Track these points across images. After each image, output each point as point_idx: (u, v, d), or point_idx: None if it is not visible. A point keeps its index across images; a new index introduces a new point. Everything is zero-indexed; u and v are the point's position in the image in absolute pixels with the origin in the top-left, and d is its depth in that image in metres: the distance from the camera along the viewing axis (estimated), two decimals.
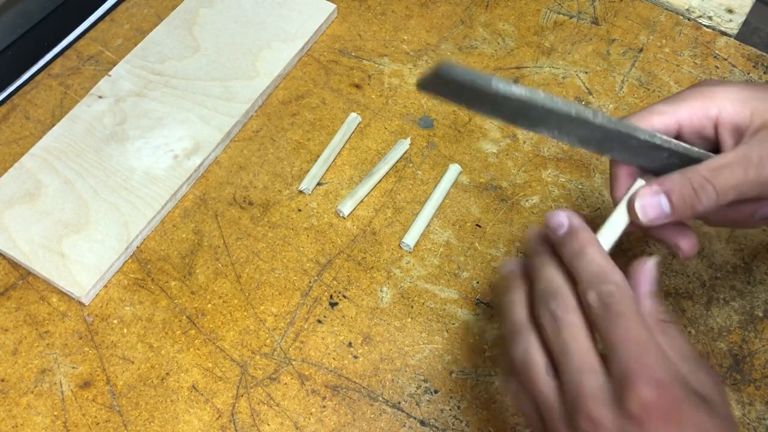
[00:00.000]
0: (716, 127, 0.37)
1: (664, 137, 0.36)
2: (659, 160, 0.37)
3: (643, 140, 0.35)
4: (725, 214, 0.38)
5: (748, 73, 0.61)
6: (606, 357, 0.31)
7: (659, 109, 0.38)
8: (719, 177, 0.35)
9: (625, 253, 0.51)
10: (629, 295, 0.32)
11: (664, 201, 0.36)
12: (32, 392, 0.44)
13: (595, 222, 0.53)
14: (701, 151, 0.37)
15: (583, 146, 0.36)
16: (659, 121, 0.37)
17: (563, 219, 0.34)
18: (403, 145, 0.55)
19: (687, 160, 0.37)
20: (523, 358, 0.33)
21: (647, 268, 0.34)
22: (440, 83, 0.31)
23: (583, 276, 0.33)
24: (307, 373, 0.46)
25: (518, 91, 0.31)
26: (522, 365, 0.33)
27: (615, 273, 0.32)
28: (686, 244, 0.38)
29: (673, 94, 0.39)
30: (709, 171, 0.35)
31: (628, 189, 0.37)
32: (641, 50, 0.62)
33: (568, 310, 0.32)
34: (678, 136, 0.38)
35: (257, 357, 0.46)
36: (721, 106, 0.37)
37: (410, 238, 0.51)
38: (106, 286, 0.48)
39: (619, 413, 0.29)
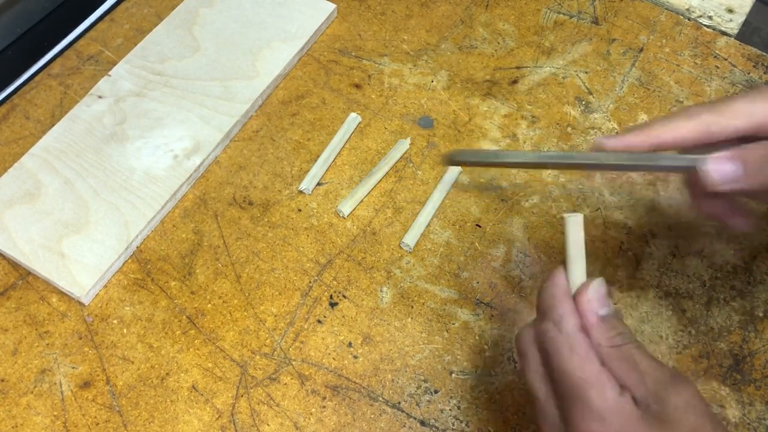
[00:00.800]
0: None
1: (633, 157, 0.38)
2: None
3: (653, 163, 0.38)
4: None
5: (748, 73, 0.61)
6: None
7: (736, 102, 0.37)
8: None
9: (625, 252, 0.51)
10: (566, 330, 0.33)
11: (738, 165, 0.35)
12: (32, 392, 0.44)
13: (595, 221, 0.53)
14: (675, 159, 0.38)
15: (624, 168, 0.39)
16: (735, 118, 0.36)
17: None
18: (403, 145, 0.55)
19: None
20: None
21: (590, 293, 0.34)
22: (456, 162, 0.43)
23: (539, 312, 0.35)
24: (307, 373, 0.46)
25: (510, 157, 0.43)
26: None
27: (559, 307, 0.34)
28: (741, 220, 0.39)
29: (752, 88, 0.38)
30: None
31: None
32: (641, 50, 0.62)
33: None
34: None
35: (257, 357, 0.46)
36: None
37: (410, 238, 0.51)
38: (106, 286, 0.48)
39: None
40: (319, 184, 0.54)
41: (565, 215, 0.36)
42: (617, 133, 0.38)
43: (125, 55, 0.58)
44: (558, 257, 0.51)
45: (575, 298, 0.34)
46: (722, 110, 0.36)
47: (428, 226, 0.52)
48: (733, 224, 0.39)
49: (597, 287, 0.34)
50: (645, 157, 0.38)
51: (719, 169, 0.36)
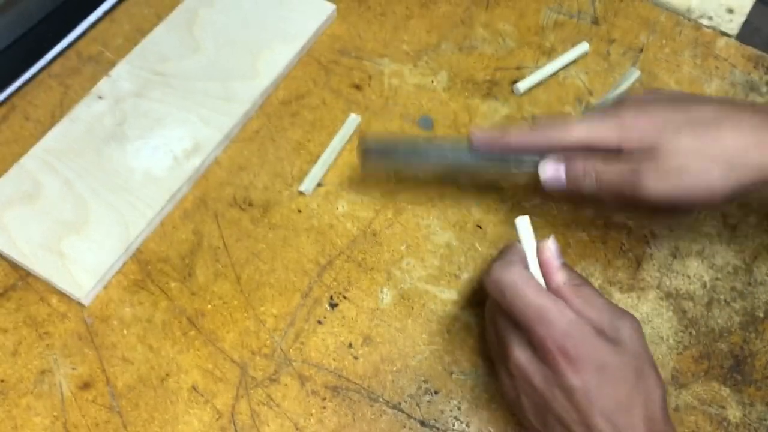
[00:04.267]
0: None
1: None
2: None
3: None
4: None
5: (749, 74, 0.61)
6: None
7: (582, 121, 0.44)
8: (604, 173, 0.42)
9: (626, 253, 0.51)
10: (521, 275, 0.38)
11: (561, 170, 0.44)
12: (32, 393, 0.44)
13: (596, 222, 0.53)
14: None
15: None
16: (576, 133, 0.43)
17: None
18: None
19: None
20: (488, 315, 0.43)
21: (547, 247, 0.40)
22: (371, 156, 0.48)
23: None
24: (307, 374, 0.46)
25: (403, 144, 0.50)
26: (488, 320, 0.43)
27: (512, 254, 0.40)
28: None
29: (608, 107, 0.44)
30: (601, 165, 0.42)
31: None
32: (641, 50, 0.62)
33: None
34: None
35: (257, 358, 0.46)
36: (631, 138, 0.42)
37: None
38: (105, 287, 0.48)
39: (536, 361, 0.37)
40: (319, 185, 0.53)
41: (516, 220, 0.41)
42: (487, 128, 0.46)
43: (125, 55, 0.58)
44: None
45: (539, 251, 0.40)
46: (568, 128, 0.43)
47: (428, 227, 0.52)
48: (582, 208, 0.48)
49: (552, 243, 0.40)
50: (501, 158, 0.46)
51: (549, 170, 0.44)
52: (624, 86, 0.59)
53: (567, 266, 0.40)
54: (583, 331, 0.36)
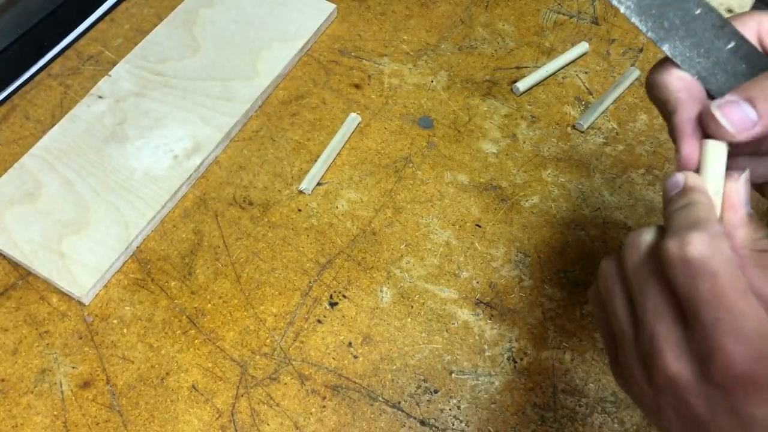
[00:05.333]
0: None
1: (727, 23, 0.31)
2: (721, 63, 0.31)
3: (703, 13, 0.31)
4: None
5: None
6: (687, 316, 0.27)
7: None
8: None
9: None
10: (720, 248, 0.27)
11: (747, 107, 0.29)
12: (32, 392, 0.44)
13: (595, 221, 0.53)
14: None
15: (642, 15, 0.32)
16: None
17: (679, 179, 0.30)
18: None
19: (755, 67, 0.31)
20: (605, 280, 0.31)
21: (737, 187, 0.29)
22: None
23: (673, 227, 0.28)
24: (307, 373, 0.46)
25: None
26: (604, 288, 0.31)
27: (709, 224, 0.27)
28: None
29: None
30: None
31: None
32: (641, 50, 0.62)
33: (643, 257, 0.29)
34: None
35: (257, 357, 0.46)
36: None
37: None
38: (106, 286, 0.48)
39: (702, 378, 0.27)
40: (319, 184, 0.54)
41: (707, 141, 0.30)
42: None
43: (125, 55, 0.58)
44: (558, 257, 0.51)
45: (726, 191, 0.29)
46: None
47: (428, 225, 0.52)
48: None
49: (743, 183, 0.29)
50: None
51: (727, 113, 0.29)
52: (624, 86, 0.59)
53: (754, 218, 0.29)
54: None
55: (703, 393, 0.27)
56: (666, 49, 0.32)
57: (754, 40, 0.31)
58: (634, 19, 0.32)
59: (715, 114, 0.29)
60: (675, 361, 0.27)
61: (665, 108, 0.32)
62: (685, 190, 0.29)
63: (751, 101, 0.29)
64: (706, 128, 0.29)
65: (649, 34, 0.32)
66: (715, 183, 0.29)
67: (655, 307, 0.28)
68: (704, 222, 0.27)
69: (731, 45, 0.31)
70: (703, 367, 0.26)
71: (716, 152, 0.29)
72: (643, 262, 0.29)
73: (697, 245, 0.27)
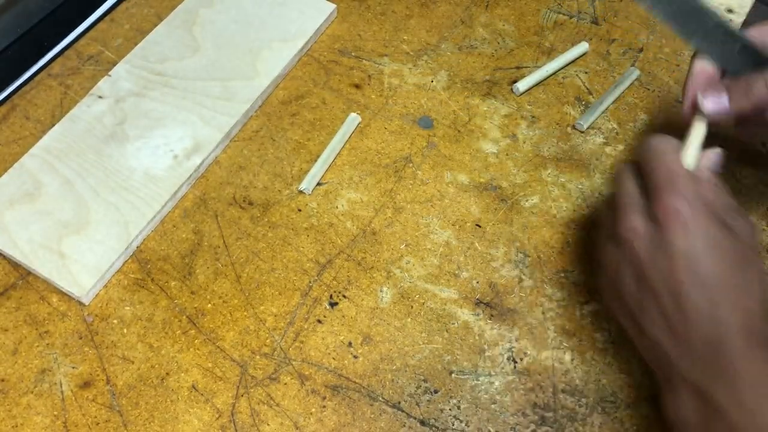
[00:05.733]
0: None
1: (737, 30, 0.43)
2: (732, 57, 0.44)
3: (716, 22, 0.43)
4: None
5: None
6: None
7: None
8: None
9: None
10: (673, 147, 0.40)
11: (723, 98, 0.43)
12: (32, 392, 0.44)
13: (595, 222, 0.53)
14: None
15: (672, 21, 0.45)
16: None
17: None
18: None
19: (757, 63, 0.42)
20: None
21: (710, 152, 0.41)
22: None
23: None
24: (307, 373, 0.46)
25: None
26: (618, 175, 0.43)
27: (667, 138, 0.41)
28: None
29: None
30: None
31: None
32: (641, 50, 0.62)
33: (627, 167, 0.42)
34: None
35: (257, 357, 0.46)
36: None
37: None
38: (106, 286, 0.48)
39: (648, 220, 0.38)
40: (319, 184, 0.54)
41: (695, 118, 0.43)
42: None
43: (125, 55, 0.58)
44: (558, 257, 0.51)
45: (702, 158, 0.41)
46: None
47: (428, 225, 0.52)
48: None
49: (716, 153, 0.41)
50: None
51: (711, 103, 0.43)
52: (624, 86, 0.59)
53: (717, 177, 0.41)
54: (704, 205, 0.37)
55: (648, 236, 0.38)
56: (692, 44, 0.45)
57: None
58: (666, 22, 0.45)
59: (700, 99, 0.43)
60: (634, 216, 0.39)
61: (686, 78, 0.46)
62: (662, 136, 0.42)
63: (728, 93, 0.42)
64: (698, 106, 0.43)
65: (678, 34, 0.45)
66: (695, 145, 0.42)
67: (629, 188, 0.41)
68: (667, 138, 0.41)
69: (738, 46, 0.43)
70: (650, 213, 0.38)
71: (699, 126, 0.43)
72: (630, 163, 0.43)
73: (652, 137, 0.41)
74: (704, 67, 0.44)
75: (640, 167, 0.41)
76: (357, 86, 0.59)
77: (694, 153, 0.41)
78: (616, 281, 0.40)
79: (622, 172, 0.42)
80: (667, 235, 0.37)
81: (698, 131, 0.43)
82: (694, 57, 0.45)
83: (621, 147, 0.57)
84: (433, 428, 0.44)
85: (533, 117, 0.58)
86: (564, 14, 0.65)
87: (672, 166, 0.39)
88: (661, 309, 0.37)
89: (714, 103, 0.43)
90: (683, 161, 0.40)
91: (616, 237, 0.40)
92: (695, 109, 0.44)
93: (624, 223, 0.39)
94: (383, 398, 0.45)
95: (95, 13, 0.63)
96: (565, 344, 0.47)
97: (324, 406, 0.45)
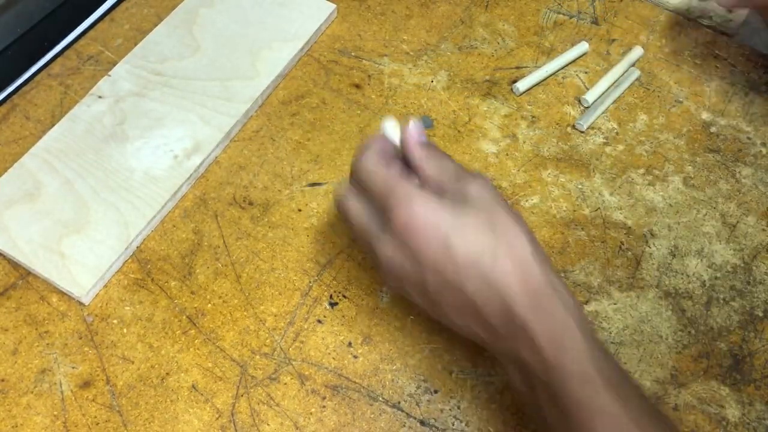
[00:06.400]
0: None
1: None
2: None
3: None
4: None
5: (748, 73, 0.61)
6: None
7: None
8: None
9: (625, 252, 0.51)
10: (373, 151, 0.40)
11: None
12: (32, 392, 0.44)
13: (595, 221, 0.53)
14: None
15: None
16: None
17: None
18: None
19: None
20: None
21: (409, 126, 0.41)
22: None
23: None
24: (307, 373, 0.46)
25: None
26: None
27: (367, 144, 0.41)
28: None
29: None
30: None
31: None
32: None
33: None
34: None
35: (257, 357, 0.46)
36: None
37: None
38: (106, 286, 0.48)
39: (391, 242, 0.38)
40: (318, 184, 0.54)
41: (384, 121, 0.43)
42: None
43: (125, 55, 0.58)
44: (558, 257, 0.51)
45: (402, 133, 0.42)
46: None
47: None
48: None
49: (415, 124, 0.41)
50: None
51: None
52: (624, 86, 0.59)
53: (427, 142, 0.41)
54: (426, 196, 0.38)
55: (400, 252, 0.38)
56: None
57: None
58: None
59: None
60: (379, 243, 0.39)
61: None
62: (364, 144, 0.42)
63: None
64: None
65: None
66: (393, 133, 0.42)
67: (366, 216, 0.40)
68: (367, 150, 0.41)
69: None
70: (387, 227, 0.38)
71: (390, 124, 0.43)
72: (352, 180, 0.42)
73: (356, 156, 0.41)
74: None
75: (359, 187, 0.41)
76: (357, 86, 0.59)
77: (394, 132, 0.42)
78: (409, 295, 0.41)
79: (344, 202, 0.42)
80: (413, 245, 0.37)
81: (392, 129, 0.43)
82: None
83: (621, 147, 0.57)
84: (433, 428, 0.44)
85: (533, 117, 0.58)
86: (564, 14, 0.65)
87: (383, 175, 0.39)
88: (453, 305, 0.38)
89: None
90: (388, 158, 0.40)
91: (379, 266, 0.40)
92: None
93: (377, 255, 0.39)
94: (383, 398, 0.45)
95: (95, 13, 0.63)
96: None
97: (324, 406, 0.45)
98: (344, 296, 0.49)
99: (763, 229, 0.53)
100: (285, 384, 0.45)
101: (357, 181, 0.41)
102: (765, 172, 0.56)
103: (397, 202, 0.38)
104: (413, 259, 0.38)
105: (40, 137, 0.54)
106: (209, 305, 0.48)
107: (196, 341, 0.47)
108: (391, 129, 0.42)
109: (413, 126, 0.41)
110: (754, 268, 0.51)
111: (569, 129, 0.57)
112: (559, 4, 0.65)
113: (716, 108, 0.59)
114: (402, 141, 0.41)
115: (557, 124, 0.58)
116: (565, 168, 0.55)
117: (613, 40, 0.63)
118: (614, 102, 0.59)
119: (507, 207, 0.39)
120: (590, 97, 0.58)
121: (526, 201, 0.53)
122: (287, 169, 0.54)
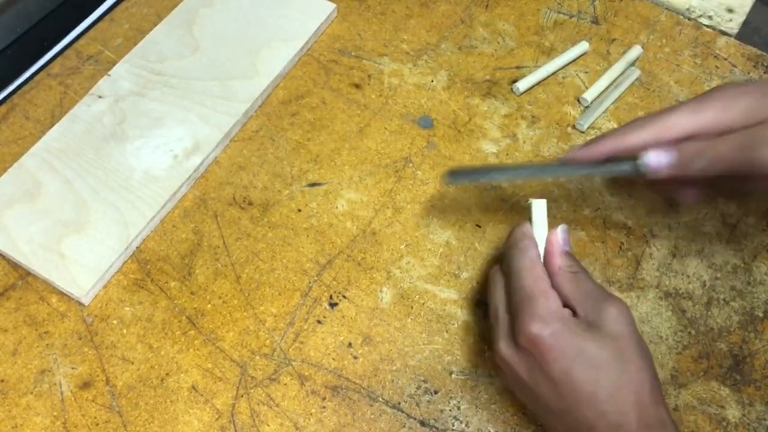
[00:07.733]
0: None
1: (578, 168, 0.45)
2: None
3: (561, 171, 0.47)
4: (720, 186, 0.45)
5: (748, 73, 0.61)
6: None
7: (680, 112, 0.42)
8: (716, 148, 0.40)
9: (625, 253, 0.51)
10: (529, 255, 0.41)
11: (672, 153, 0.42)
12: (32, 393, 0.44)
13: (595, 221, 0.53)
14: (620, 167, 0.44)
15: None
16: (678, 126, 0.42)
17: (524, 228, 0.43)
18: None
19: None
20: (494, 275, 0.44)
21: (557, 232, 0.42)
22: (456, 179, 0.48)
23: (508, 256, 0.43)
24: (306, 373, 0.46)
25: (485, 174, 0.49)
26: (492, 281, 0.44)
27: (526, 240, 0.42)
28: (691, 192, 0.46)
29: (696, 97, 0.43)
30: (711, 141, 0.41)
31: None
32: (642, 50, 0.62)
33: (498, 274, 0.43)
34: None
35: (257, 357, 0.46)
36: (735, 118, 0.41)
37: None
38: (105, 287, 0.48)
39: (515, 347, 0.39)
40: (318, 184, 0.54)
41: (531, 200, 0.44)
42: (583, 144, 0.45)
43: (125, 55, 0.58)
44: None
45: (548, 237, 0.42)
46: (668, 122, 0.42)
47: (428, 225, 0.52)
48: (684, 196, 0.46)
49: (562, 230, 0.42)
50: (602, 167, 0.44)
51: (657, 157, 0.42)
52: (624, 86, 0.59)
53: (570, 254, 0.42)
54: (562, 319, 0.38)
55: (524, 364, 0.38)
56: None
57: None
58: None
59: (644, 156, 0.42)
60: (503, 343, 0.40)
61: None
62: (523, 234, 0.42)
63: (677, 151, 0.41)
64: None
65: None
66: (540, 224, 0.43)
67: (499, 311, 0.41)
68: (515, 243, 0.42)
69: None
70: (513, 327, 0.39)
71: (539, 206, 0.43)
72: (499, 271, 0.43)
73: (509, 255, 0.41)
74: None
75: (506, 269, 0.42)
76: (357, 86, 0.59)
77: (541, 236, 0.42)
78: (517, 395, 0.42)
79: (492, 281, 0.43)
80: (538, 363, 0.38)
81: (540, 213, 0.43)
82: None
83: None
84: (433, 429, 0.44)
85: (533, 117, 0.58)
86: (564, 14, 0.65)
87: (526, 285, 0.39)
88: (562, 420, 0.38)
89: (656, 159, 0.42)
90: (540, 268, 0.41)
91: (495, 362, 0.41)
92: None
93: (496, 350, 0.40)
94: (383, 399, 0.45)
95: (95, 12, 0.63)
96: None
97: (324, 407, 0.45)
98: (344, 296, 0.49)
99: (763, 229, 0.53)
100: (285, 384, 0.45)
101: (506, 266, 0.42)
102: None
103: (531, 313, 0.38)
104: (530, 371, 0.38)
105: (39, 137, 0.54)
106: (209, 306, 0.48)
107: (196, 342, 0.47)
108: (538, 213, 0.43)
109: (561, 232, 0.42)
110: (754, 268, 0.51)
111: (569, 129, 0.57)
112: (559, 4, 0.65)
113: None
114: (547, 243, 0.42)
115: (557, 124, 0.58)
116: None
117: (613, 40, 0.63)
118: (614, 102, 0.59)
119: (638, 337, 0.38)
120: (590, 96, 0.58)
121: (526, 201, 0.53)
122: (287, 169, 0.54)
